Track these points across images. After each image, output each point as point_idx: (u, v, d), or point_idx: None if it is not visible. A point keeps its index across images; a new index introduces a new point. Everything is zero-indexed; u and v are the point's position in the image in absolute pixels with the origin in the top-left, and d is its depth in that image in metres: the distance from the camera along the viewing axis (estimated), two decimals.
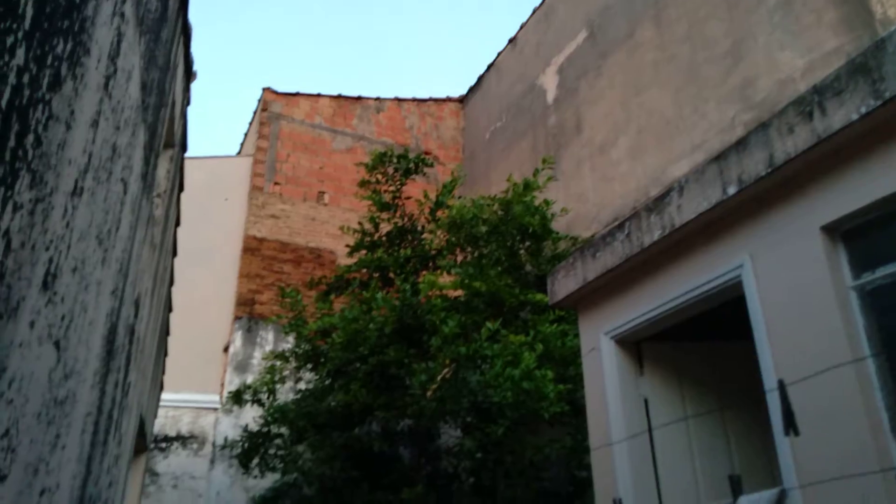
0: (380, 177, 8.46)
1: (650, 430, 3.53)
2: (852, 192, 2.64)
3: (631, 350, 3.98)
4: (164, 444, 8.97)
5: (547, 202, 8.02)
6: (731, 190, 3.02)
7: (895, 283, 2.55)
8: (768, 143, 2.84)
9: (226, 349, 9.94)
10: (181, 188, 5.91)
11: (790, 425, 2.00)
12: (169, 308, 6.95)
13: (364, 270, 8.51)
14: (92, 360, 2.81)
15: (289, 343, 8.80)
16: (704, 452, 3.44)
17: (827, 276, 2.65)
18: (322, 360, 7.80)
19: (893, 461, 2.20)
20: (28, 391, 1.81)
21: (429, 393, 6.44)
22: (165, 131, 4.41)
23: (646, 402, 3.83)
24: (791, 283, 2.80)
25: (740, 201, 3.06)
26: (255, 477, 8.20)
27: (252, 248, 10.45)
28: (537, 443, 6.38)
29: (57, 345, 2.09)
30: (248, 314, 10.07)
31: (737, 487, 1.58)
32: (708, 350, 3.97)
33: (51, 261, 1.83)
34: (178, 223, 6.34)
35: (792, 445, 2.41)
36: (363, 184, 8.50)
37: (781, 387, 2.06)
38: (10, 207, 1.43)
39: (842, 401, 2.44)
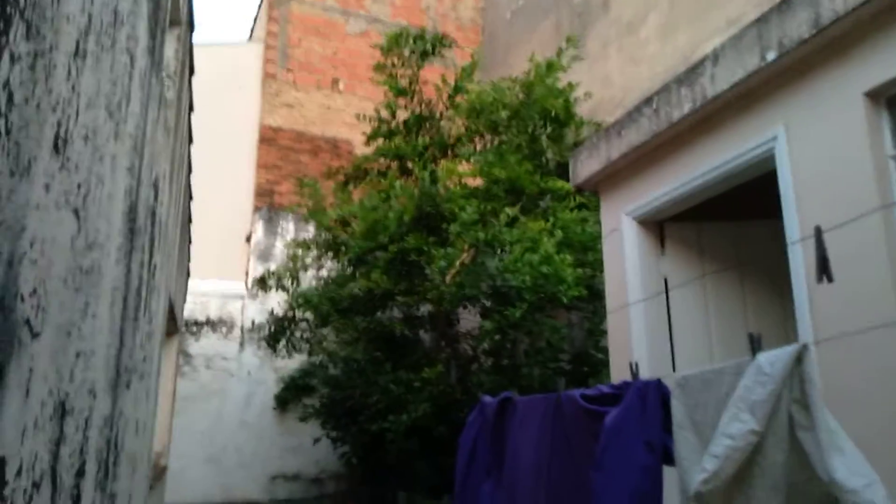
0: (395, 60, 8.12)
1: (668, 298, 3.55)
2: None
3: (653, 230, 3.93)
4: (194, 329, 9.37)
5: (571, 85, 7.69)
6: (771, 56, 2.82)
7: None
8: (815, 0, 2.61)
9: (248, 238, 10.10)
10: (192, 71, 5.75)
11: (824, 270, 1.97)
12: (189, 196, 6.99)
13: (382, 160, 8.41)
14: (114, 236, 2.84)
15: (309, 233, 8.90)
16: (721, 319, 3.47)
17: (867, 145, 2.52)
18: (342, 248, 7.91)
19: None
20: (52, 255, 1.83)
21: (448, 278, 6.53)
22: (171, 5, 4.21)
23: (665, 281, 3.84)
24: (827, 153, 2.67)
25: (779, 68, 2.86)
26: (283, 357, 8.59)
27: (268, 138, 10.32)
28: (555, 325, 6.52)
29: (76, 213, 2.09)
30: (268, 204, 10.13)
31: (756, 345, 1.58)
32: (730, 230, 3.91)
33: (59, 124, 1.78)
34: (191, 108, 6.23)
35: (811, 303, 2.40)
36: (378, 67, 8.18)
37: (818, 233, 2.01)
38: (6, 57, 1.37)
39: (870, 261, 2.39)
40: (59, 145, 1.84)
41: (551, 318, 6.77)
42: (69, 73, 1.88)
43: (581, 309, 7.12)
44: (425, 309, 7.77)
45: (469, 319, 7.89)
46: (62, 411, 2.13)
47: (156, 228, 4.33)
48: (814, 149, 2.74)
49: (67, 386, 2.16)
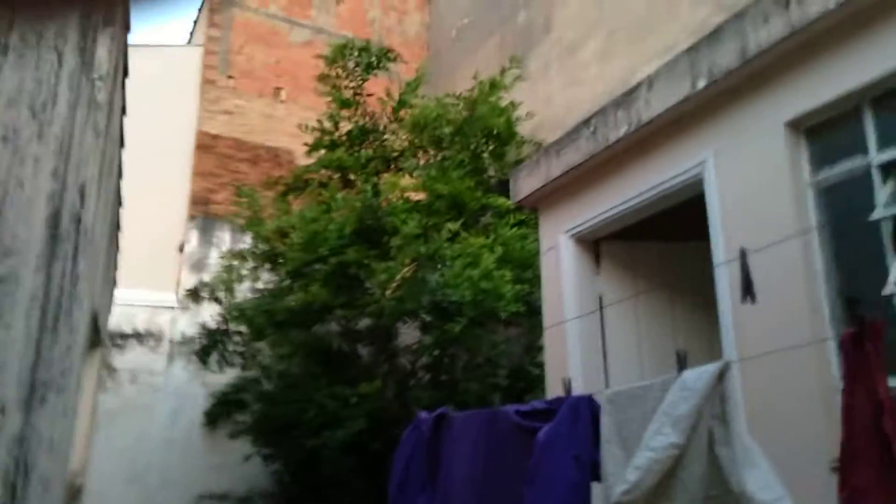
0: (340, 71, 8.06)
1: (602, 316, 3.65)
2: (818, 87, 2.62)
3: (589, 248, 4.03)
4: (120, 341, 8.93)
5: (513, 104, 7.84)
6: (701, 83, 2.96)
7: (850, 179, 2.60)
8: (742, 33, 2.77)
9: (181, 248, 9.74)
10: (126, 73, 5.54)
11: (748, 291, 2.07)
12: (119, 202, 6.70)
13: (323, 171, 8.31)
14: (34, 242, 2.68)
15: (246, 244, 8.66)
16: (652, 336, 3.59)
17: (787, 172, 2.67)
18: (280, 260, 7.74)
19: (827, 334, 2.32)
20: None
21: (388, 292, 6.49)
22: (105, 4, 4.05)
23: (600, 299, 3.94)
24: (751, 179, 2.82)
25: (709, 95, 3.01)
26: (214, 372, 8.30)
27: (206, 144, 10.02)
28: (493, 340, 6.57)
29: None
30: (204, 213, 9.81)
31: (682, 362, 1.64)
32: (662, 250, 4.06)
33: None
34: (124, 112, 6.00)
35: (735, 323, 2.52)
36: (322, 78, 8.10)
37: (743, 255, 2.12)
38: None
39: (790, 284, 2.53)
40: None
41: (490, 333, 6.82)
42: None
43: (519, 325, 7.22)
44: (364, 323, 7.68)
45: (408, 334, 7.85)
46: None
47: (81, 235, 4.11)
48: (739, 174, 2.89)
49: None
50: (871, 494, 1.34)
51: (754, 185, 2.79)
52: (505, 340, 6.64)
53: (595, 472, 1.97)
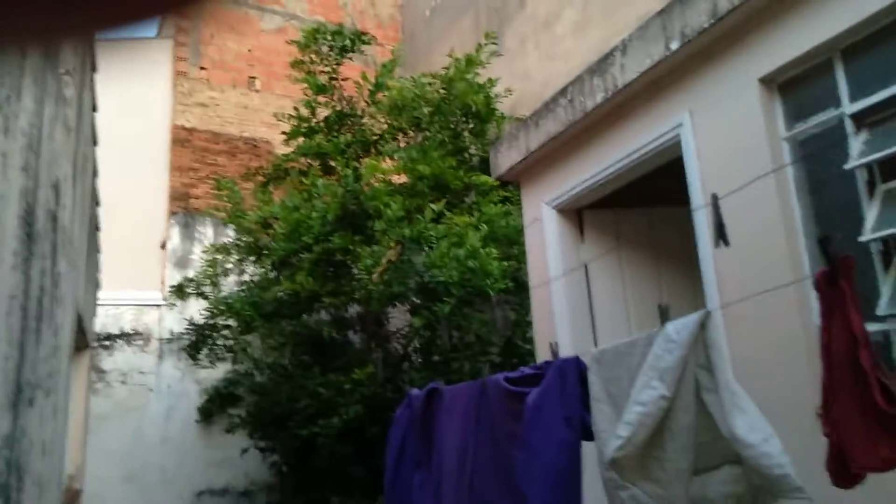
0: (314, 56, 7.96)
1: (588, 283, 3.66)
2: (789, 42, 2.63)
3: (572, 218, 4.04)
4: (107, 343, 8.84)
5: (491, 80, 7.79)
6: (674, 45, 2.96)
7: (824, 132, 2.61)
8: None
9: (163, 245, 9.64)
10: (94, 68, 5.43)
11: (721, 235, 2.08)
12: (96, 202, 6.60)
13: (303, 159, 8.23)
14: (8, 240, 2.63)
15: (229, 237, 8.59)
16: (638, 298, 3.62)
17: (762, 128, 2.68)
18: (265, 251, 7.69)
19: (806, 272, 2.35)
20: None
21: (375, 276, 6.47)
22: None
23: (585, 268, 3.95)
24: (728, 137, 2.82)
25: (682, 57, 3.01)
26: (205, 367, 8.26)
27: (182, 139, 9.88)
28: (482, 318, 6.59)
29: None
30: (184, 209, 9.70)
31: (665, 315, 1.65)
32: (645, 215, 4.08)
33: None
34: (95, 108, 5.88)
35: (717, 271, 2.54)
36: (296, 64, 7.99)
37: (714, 199, 2.13)
38: None
39: (767, 240, 2.55)
40: None
41: (480, 311, 6.84)
42: None
43: (508, 302, 7.24)
44: (354, 310, 7.66)
45: (399, 318, 7.85)
46: None
47: (58, 234, 4.05)
48: (716, 133, 2.89)
49: None
50: (852, 428, 1.36)
51: (731, 143, 2.80)
52: (492, 319, 6.66)
53: (586, 433, 1.98)
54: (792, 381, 2.20)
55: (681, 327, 1.57)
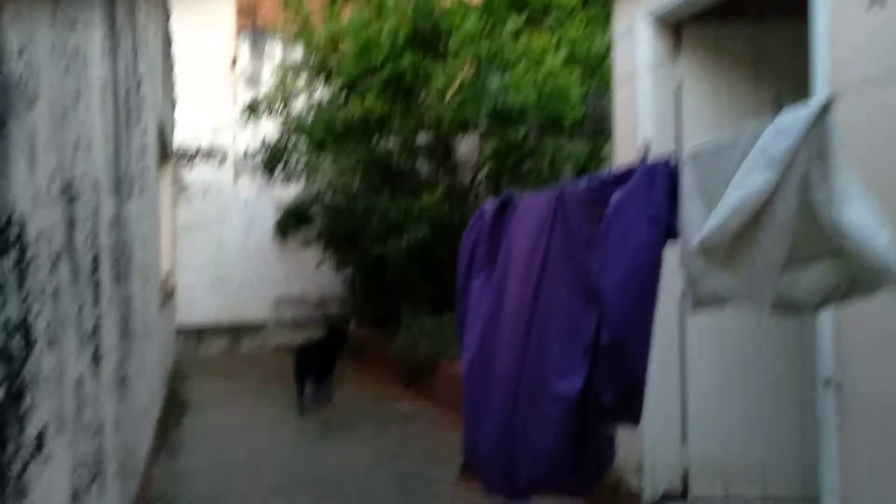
0: None
1: (679, 112, 3.45)
2: None
3: (669, 32, 3.70)
4: (187, 159, 9.23)
5: None
6: None
7: None
8: None
9: (233, 62, 9.60)
10: None
11: None
12: (167, 15, 6.51)
13: None
14: (97, 30, 2.64)
15: (298, 56, 8.43)
16: (736, 117, 3.40)
17: None
18: (334, 72, 7.55)
19: None
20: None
21: (447, 97, 6.29)
22: None
23: (679, 88, 3.69)
24: None
25: None
26: (280, 184, 8.57)
27: None
28: (557, 144, 6.41)
29: None
30: (252, 24, 9.50)
31: (779, 106, 1.50)
32: (752, 32, 3.68)
33: None
34: None
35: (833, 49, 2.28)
36: None
37: None
38: None
39: None
40: None
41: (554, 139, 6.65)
42: None
43: (582, 135, 6.97)
44: (422, 139, 7.60)
45: (467, 152, 7.76)
46: (70, 195, 2.11)
47: (137, 33, 4.05)
48: None
49: (70, 171, 2.11)
50: None
51: None
52: (569, 144, 6.44)
53: (671, 233, 1.93)
54: None
55: (796, 116, 1.44)
